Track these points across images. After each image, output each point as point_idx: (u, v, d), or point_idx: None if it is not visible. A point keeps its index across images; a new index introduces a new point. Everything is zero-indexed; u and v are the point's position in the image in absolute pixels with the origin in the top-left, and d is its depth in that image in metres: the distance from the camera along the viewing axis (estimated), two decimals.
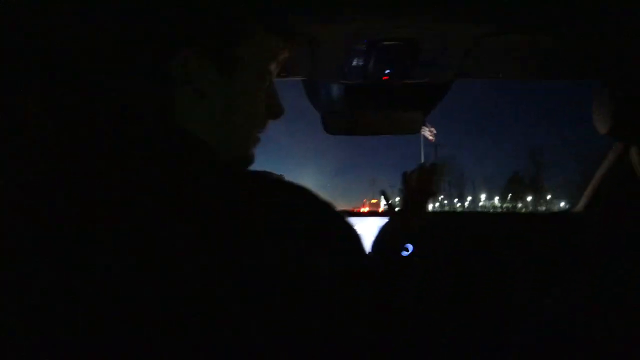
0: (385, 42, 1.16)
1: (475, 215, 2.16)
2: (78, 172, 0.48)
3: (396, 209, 1.17)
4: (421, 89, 1.49)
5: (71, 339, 0.43)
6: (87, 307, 0.43)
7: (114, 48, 0.50)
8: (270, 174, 1.02)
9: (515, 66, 1.37)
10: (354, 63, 1.26)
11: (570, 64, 1.33)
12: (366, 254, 0.57)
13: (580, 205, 2.00)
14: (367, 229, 1.91)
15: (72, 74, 0.49)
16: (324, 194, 0.54)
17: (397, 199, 1.24)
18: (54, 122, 0.50)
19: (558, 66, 1.36)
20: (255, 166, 0.66)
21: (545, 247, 1.80)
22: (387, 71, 1.29)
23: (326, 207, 0.53)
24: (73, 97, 0.49)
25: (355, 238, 0.55)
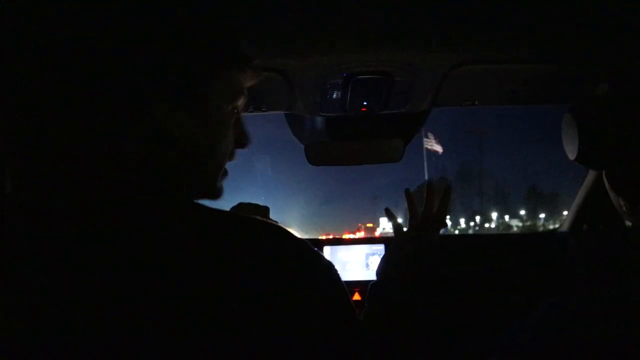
0: (361, 76, 1.20)
1: (469, 238, 2.18)
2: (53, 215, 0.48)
3: (404, 229, 1.05)
4: (400, 118, 1.52)
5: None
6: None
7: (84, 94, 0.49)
8: (253, 205, 1.03)
9: (489, 93, 1.42)
10: (333, 96, 1.30)
11: (542, 89, 1.38)
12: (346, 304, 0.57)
13: (565, 225, 2.03)
14: (360, 255, 1.93)
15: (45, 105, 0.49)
16: (316, 221, 0.54)
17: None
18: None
19: (530, 91, 1.41)
20: (246, 198, 0.67)
21: (531, 267, 1.83)
22: (364, 103, 1.33)
23: (300, 252, 0.54)
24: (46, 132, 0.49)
25: (331, 285, 0.56)
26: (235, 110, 0.64)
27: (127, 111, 0.50)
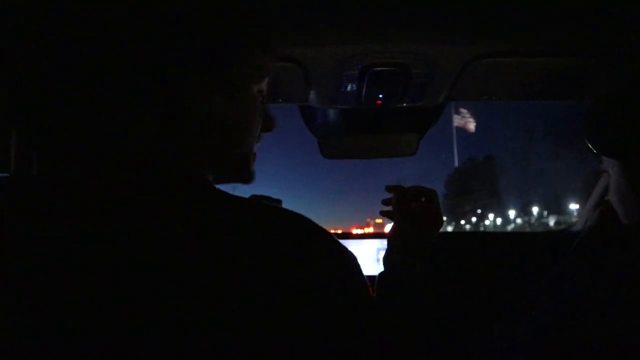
0: (377, 68, 1.18)
1: (478, 235, 2.17)
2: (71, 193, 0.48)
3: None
4: (416, 112, 1.51)
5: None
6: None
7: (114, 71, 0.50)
8: (268, 199, 1.03)
9: (506, 87, 1.40)
10: (348, 88, 1.29)
11: (560, 84, 1.35)
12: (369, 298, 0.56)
13: (578, 224, 2.01)
14: (371, 250, 1.92)
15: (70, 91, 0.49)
16: (322, 216, 0.54)
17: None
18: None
19: (548, 86, 1.39)
20: (257, 190, 0.67)
21: (542, 265, 1.81)
22: (380, 96, 1.32)
23: (323, 242, 0.53)
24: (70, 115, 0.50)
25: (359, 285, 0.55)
26: (262, 93, 0.64)
27: (149, 85, 0.50)
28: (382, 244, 1.93)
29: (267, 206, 0.53)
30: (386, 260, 1.00)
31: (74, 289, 0.44)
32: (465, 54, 1.16)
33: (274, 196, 1.03)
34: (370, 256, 1.91)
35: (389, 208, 1.11)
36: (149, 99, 0.50)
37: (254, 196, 1.01)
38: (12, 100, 0.49)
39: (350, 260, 0.55)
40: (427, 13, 1.05)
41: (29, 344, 0.43)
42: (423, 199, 1.04)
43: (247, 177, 0.66)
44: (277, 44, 1.06)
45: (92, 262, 0.44)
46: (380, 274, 0.94)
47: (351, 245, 1.93)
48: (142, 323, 0.43)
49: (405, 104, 1.39)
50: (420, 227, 0.99)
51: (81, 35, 0.48)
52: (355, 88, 1.28)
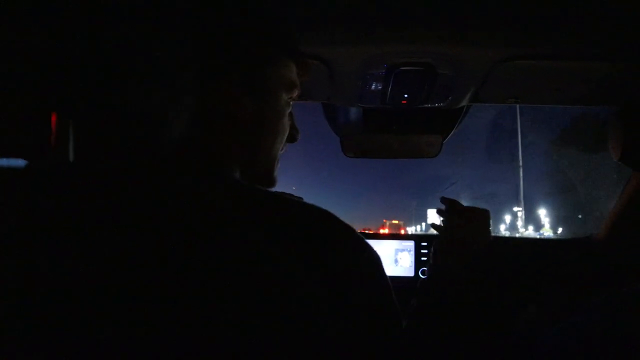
0: (404, 68, 1.18)
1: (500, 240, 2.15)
2: (88, 183, 0.49)
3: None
4: (440, 113, 1.50)
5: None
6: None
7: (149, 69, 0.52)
8: (290, 195, 1.03)
9: (532, 91, 1.38)
10: (373, 87, 1.29)
11: (591, 88, 1.33)
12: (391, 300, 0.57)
13: (602, 232, 1.96)
14: (389, 251, 1.92)
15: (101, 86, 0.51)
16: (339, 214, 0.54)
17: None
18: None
19: (574, 92, 1.36)
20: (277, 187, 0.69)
21: (566, 272, 1.78)
22: (405, 95, 1.31)
23: (350, 239, 0.54)
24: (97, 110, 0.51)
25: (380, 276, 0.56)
26: (290, 103, 0.67)
27: (187, 82, 0.52)
28: (401, 245, 1.92)
29: (299, 202, 0.55)
30: (428, 267, 0.99)
31: (105, 282, 0.44)
32: (493, 55, 1.14)
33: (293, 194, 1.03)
34: (388, 257, 1.90)
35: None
36: (185, 94, 0.52)
37: (275, 193, 1.02)
38: (56, 86, 0.51)
39: (377, 257, 0.57)
40: (454, 13, 1.04)
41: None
42: (467, 217, 0.97)
43: (270, 182, 0.67)
44: (304, 42, 1.07)
45: (129, 256, 0.45)
46: (421, 280, 0.94)
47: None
48: (190, 314, 0.44)
49: (429, 105, 1.38)
50: (461, 245, 0.94)
51: (132, 30, 0.49)
52: (380, 87, 1.28)
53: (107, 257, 0.45)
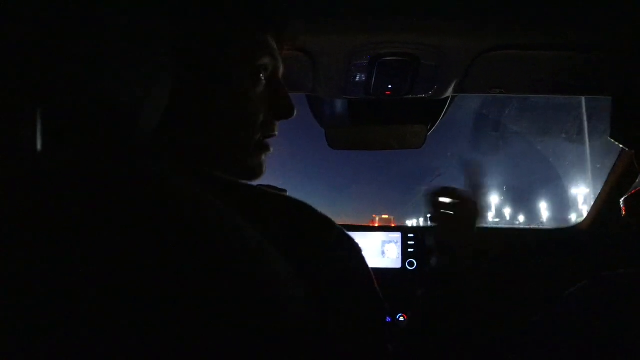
0: (387, 58, 1.17)
1: (495, 231, 2.16)
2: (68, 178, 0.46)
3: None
4: (424, 103, 1.50)
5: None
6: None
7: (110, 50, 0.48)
8: (272, 188, 1.02)
9: (517, 82, 1.38)
10: (357, 79, 1.27)
11: (570, 79, 1.33)
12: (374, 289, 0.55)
13: (586, 221, 1.99)
14: (376, 243, 1.92)
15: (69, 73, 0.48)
16: (325, 209, 0.54)
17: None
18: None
19: (559, 82, 1.36)
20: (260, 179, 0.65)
21: (549, 262, 1.80)
22: (389, 86, 1.30)
23: (329, 231, 0.53)
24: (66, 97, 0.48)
25: (361, 266, 0.55)
26: (262, 73, 0.59)
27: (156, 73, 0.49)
28: (388, 237, 1.92)
29: (277, 194, 0.53)
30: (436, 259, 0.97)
31: (103, 282, 0.42)
32: (476, 46, 1.14)
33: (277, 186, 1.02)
34: (375, 248, 1.90)
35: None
36: (157, 83, 0.49)
37: (260, 186, 1.00)
38: (24, 75, 0.48)
39: (357, 248, 0.55)
40: (437, 3, 1.03)
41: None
42: (450, 200, 0.96)
43: (248, 172, 0.61)
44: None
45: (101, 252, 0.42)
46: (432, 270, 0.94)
47: (356, 237, 1.90)
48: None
49: (413, 95, 1.37)
50: (450, 229, 0.94)
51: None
52: (364, 78, 1.27)
53: (102, 256, 0.43)
